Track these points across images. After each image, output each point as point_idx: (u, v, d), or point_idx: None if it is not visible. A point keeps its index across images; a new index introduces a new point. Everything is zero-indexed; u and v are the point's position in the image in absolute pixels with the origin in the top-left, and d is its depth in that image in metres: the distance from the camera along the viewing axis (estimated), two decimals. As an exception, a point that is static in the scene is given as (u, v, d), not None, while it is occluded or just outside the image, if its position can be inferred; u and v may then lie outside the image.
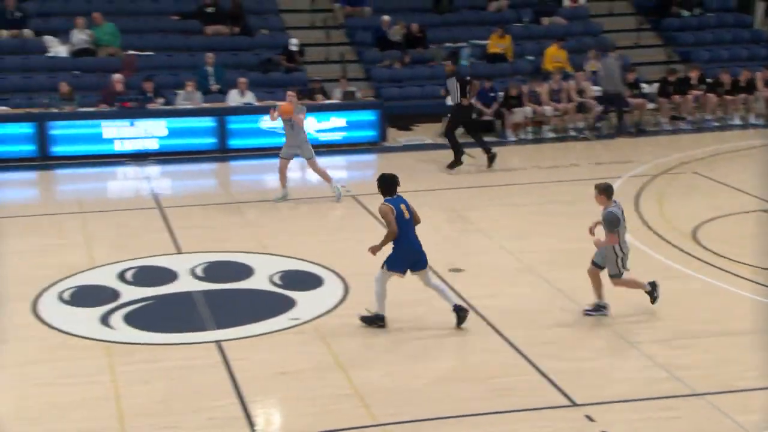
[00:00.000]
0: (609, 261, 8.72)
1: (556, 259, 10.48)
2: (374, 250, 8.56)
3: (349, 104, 17.03)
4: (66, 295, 9.51)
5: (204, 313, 9.18)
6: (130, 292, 9.61)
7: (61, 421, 6.98)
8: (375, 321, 8.74)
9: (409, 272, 8.62)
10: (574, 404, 7.34)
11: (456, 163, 14.93)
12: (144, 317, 9.06)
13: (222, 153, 16.10)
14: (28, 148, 15.24)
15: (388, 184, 8.62)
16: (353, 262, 10.22)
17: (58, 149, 15.41)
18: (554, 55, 19.04)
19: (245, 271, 10.34)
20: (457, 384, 7.74)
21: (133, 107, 15.80)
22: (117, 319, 8.95)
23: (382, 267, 8.61)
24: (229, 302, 9.53)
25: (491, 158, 14.98)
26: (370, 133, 16.95)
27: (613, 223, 8.48)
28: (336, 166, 15.18)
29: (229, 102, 16.83)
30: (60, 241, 11.31)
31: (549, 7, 21.15)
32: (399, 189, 8.69)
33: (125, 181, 15.07)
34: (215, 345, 8.41)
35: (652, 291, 8.93)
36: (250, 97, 16.88)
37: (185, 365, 8.00)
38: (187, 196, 13.76)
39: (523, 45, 20.00)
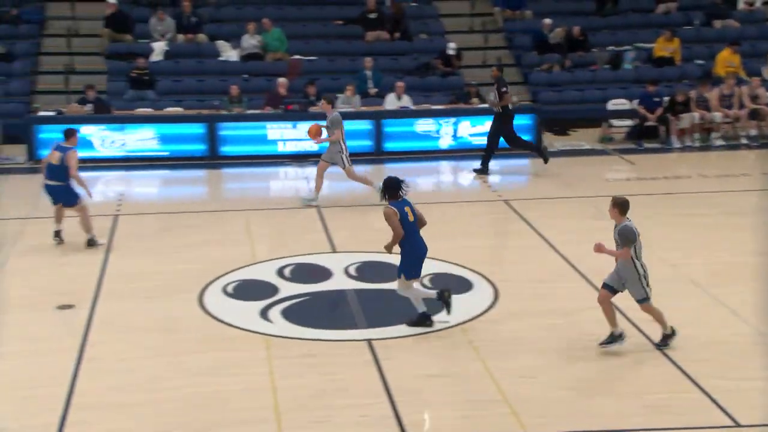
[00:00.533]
0: (632, 283, 7.98)
1: (722, 272, 9.94)
2: (387, 248, 8.68)
3: (504, 108, 16.88)
4: (230, 289, 9.96)
5: (356, 311, 9.37)
6: (288, 288, 9.96)
7: (221, 410, 7.29)
8: (423, 321, 8.76)
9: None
10: (738, 425, 6.94)
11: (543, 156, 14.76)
12: (300, 313, 9.35)
13: (377, 155, 16.40)
14: (200, 148, 16.13)
15: (392, 187, 8.61)
16: (504, 268, 10.11)
17: (226, 149, 16.22)
18: (727, 60, 18.12)
19: (395, 271, 10.44)
20: (607, 397, 7.50)
21: (295, 110, 16.37)
22: (275, 313, 9.29)
23: (399, 277, 8.63)
24: (380, 302, 9.68)
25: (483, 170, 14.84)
26: (524, 138, 16.73)
27: (628, 237, 7.81)
28: (490, 171, 15.08)
29: (386, 105, 17.12)
30: (225, 236, 11.88)
31: (721, 9, 20.15)
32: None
33: (286, 181, 15.63)
34: (366, 343, 8.56)
35: (668, 337, 8.15)
36: (406, 101, 17.09)
37: (337, 362, 8.19)
38: (344, 197, 14.10)
39: (692, 48, 19.14)
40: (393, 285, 10.04)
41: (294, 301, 9.64)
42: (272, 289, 9.92)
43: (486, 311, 9.30)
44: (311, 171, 15.63)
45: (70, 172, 10.92)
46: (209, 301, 9.54)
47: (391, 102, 17.06)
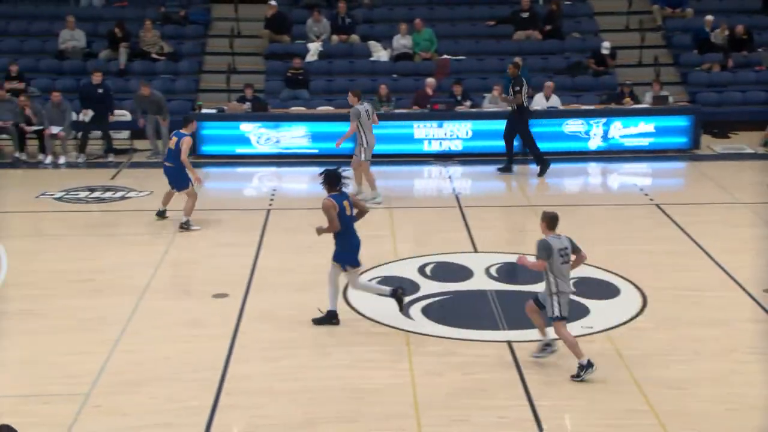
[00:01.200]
0: (545, 298, 7.88)
1: None
2: (318, 231, 8.95)
3: (659, 109, 16.31)
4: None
5: (496, 312, 9.35)
6: (428, 286, 10.07)
7: (360, 403, 7.48)
8: (329, 320, 8.78)
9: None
10: None
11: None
12: (440, 311, 9.44)
13: (522, 156, 16.24)
14: (349, 146, 16.47)
15: (331, 179, 8.76)
16: (654, 274, 9.78)
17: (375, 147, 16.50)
18: None
19: (539, 275, 10.30)
20: (753, 412, 7.11)
21: (442, 109, 16.48)
22: (416, 310, 9.42)
23: (335, 265, 8.88)
24: (521, 304, 9.59)
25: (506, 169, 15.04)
26: (680, 140, 16.10)
27: (542, 250, 7.75)
28: (641, 173, 14.61)
29: (533, 105, 16.90)
30: (369, 233, 12.11)
31: None
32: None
33: (430, 179, 15.76)
34: (506, 345, 8.53)
35: (584, 369, 7.73)
36: (555, 101, 16.81)
37: (477, 362, 8.21)
38: (486, 197, 14.06)
39: None
40: (534, 287, 9.96)
41: (434, 299, 9.74)
42: (413, 286, 10.05)
43: (633, 318, 9.04)
44: (455, 170, 15.74)
45: (180, 157, 11.67)
46: (353, 296, 9.78)
47: (539, 102, 16.83)
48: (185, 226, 11.86)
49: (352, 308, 9.49)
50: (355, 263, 9.01)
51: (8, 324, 8.87)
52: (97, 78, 15.73)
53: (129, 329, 8.84)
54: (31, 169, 15.33)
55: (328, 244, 11.52)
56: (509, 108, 15.23)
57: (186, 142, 11.72)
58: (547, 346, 8.15)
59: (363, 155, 13.30)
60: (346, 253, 8.98)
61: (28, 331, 8.74)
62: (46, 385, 7.65)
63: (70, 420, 7.09)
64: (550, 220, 7.94)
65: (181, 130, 11.92)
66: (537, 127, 16.30)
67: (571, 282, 8.04)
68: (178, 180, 11.88)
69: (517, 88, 14.80)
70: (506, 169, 15.23)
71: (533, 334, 8.74)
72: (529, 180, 15.63)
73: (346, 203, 8.91)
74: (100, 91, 15.84)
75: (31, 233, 11.80)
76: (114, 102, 16.28)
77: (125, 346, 8.48)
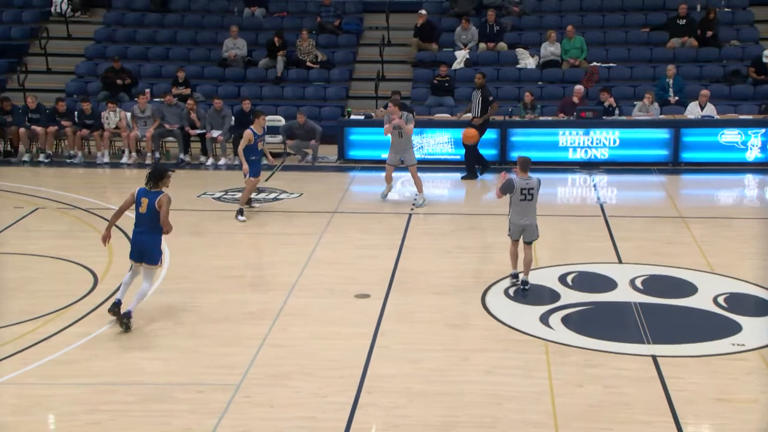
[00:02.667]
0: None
1: None
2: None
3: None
4: (511, 292, 10.18)
5: (641, 325, 9.13)
6: (569, 296, 9.96)
7: (498, 409, 7.51)
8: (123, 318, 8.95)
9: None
10: None
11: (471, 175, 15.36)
12: (581, 321, 9.32)
13: (674, 166, 15.72)
14: (491, 153, 16.52)
15: (157, 175, 9.01)
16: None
17: (516, 155, 16.39)
18: None
19: (687, 289, 10.02)
20: None
21: (589, 117, 16.20)
22: (555, 319, 9.35)
23: (157, 264, 9.11)
24: (667, 318, 9.33)
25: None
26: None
27: (506, 186, 9.91)
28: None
29: (687, 114, 16.32)
30: (509, 240, 12.09)
31: None
32: None
33: (573, 188, 15.53)
34: (651, 359, 8.33)
35: (514, 278, 10.16)
36: (710, 110, 16.16)
37: (619, 375, 8.06)
38: (633, 207, 13.71)
39: None
40: (681, 302, 9.66)
41: (575, 309, 9.62)
42: (554, 295, 9.97)
43: (788, 338, 8.60)
44: (600, 179, 15.42)
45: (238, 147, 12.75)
46: (491, 302, 9.82)
47: (692, 110, 16.23)
48: (240, 214, 12.84)
49: (491, 314, 9.53)
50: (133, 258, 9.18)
51: (167, 315, 9.51)
52: (246, 105, 16.55)
53: (277, 325, 9.26)
54: (194, 169, 16.29)
55: (470, 249, 11.65)
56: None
57: (245, 136, 12.70)
58: (513, 276, 10.23)
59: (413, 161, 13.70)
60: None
61: (185, 322, 9.33)
62: (200, 375, 8.14)
63: (222, 408, 7.52)
64: (523, 163, 9.94)
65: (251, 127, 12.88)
66: (690, 137, 15.76)
67: (534, 216, 10.03)
68: (250, 169, 12.81)
69: (490, 100, 15.40)
70: (470, 177, 15.53)
71: (680, 349, 8.52)
72: (680, 191, 15.12)
73: (144, 200, 9.02)
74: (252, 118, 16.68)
75: (192, 231, 12.56)
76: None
77: (273, 340, 8.89)
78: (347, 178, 15.82)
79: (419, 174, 13.86)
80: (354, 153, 16.72)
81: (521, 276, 10.13)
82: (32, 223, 12.83)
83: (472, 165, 15.62)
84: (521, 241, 10.12)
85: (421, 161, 16.19)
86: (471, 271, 10.87)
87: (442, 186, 15.74)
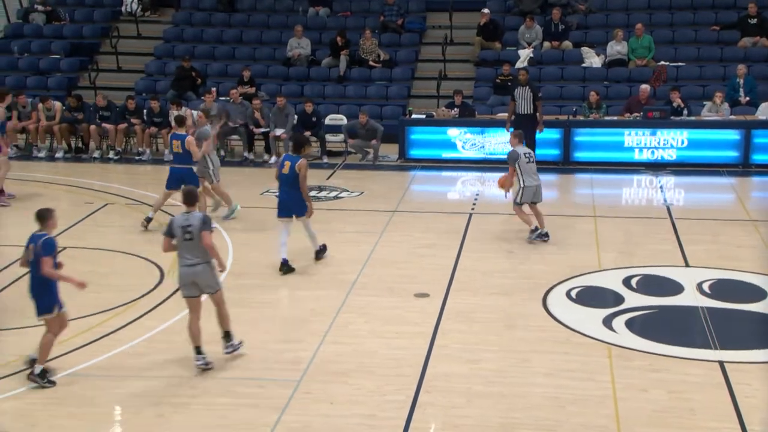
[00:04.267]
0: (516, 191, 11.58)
1: None
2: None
3: None
4: (573, 294, 10.05)
5: (708, 330, 8.92)
6: (633, 299, 9.78)
7: (560, 412, 7.43)
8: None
9: None
10: None
11: None
12: (646, 325, 9.15)
13: (745, 168, 15.31)
14: (554, 153, 16.36)
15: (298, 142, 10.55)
16: None
17: (580, 155, 16.26)
18: None
19: (756, 294, 9.75)
20: None
21: (656, 117, 15.88)
22: (619, 323, 9.19)
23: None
24: (735, 323, 9.10)
25: None
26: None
27: (510, 159, 11.55)
28: None
29: (758, 115, 15.88)
30: (572, 241, 11.98)
31: None
32: None
33: (639, 189, 15.25)
34: (718, 365, 8.13)
35: (535, 232, 11.58)
36: (783, 110, 15.70)
37: (685, 380, 7.90)
38: (701, 210, 13.40)
39: None
40: (749, 307, 9.41)
41: (640, 312, 9.45)
42: (617, 298, 9.82)
43: None
44: (667, 180, 15.12)
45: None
46: (553, 304, 9.71)
47: (764, 111, 15.78)
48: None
49: (552, 316, 9.43)
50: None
51: (229, 311, 9.66)
52: (308, 107, 16.69)
53: (337, 322, 9.33)
54: (257, 167, 16.51)
55: (530, 249, 11.55)
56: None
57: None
58: (533, 232, 11.60)
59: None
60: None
61: (247, 318, 9.45)
62: (262, 370, 8.24)
63: (283, 404, 7.61)
64: (519, 136, 11.70)
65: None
66: (762, 138, 15.33)
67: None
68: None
69: (539, 96, 15.42)
70: None
71: (749, 355, 8.31)
72: (750, 193, 14.73)
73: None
74: (314, 119, 16.79)
75: (254, 227, 12.74)
76: (323, 126, 17.11)
77: (334, 337, 8.96)
78: (408, 178, 15.84)
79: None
80: (415, 152, 16.72)
81: (540, 230, 11.63)
82: (102, 218, 13.17)
83: None
84: (528, 205, 11.64)
85: (482, 161, 16.15)
86: (532, 271, 10.77)
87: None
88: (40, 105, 16.65)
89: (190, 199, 8.24)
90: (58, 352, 8.41)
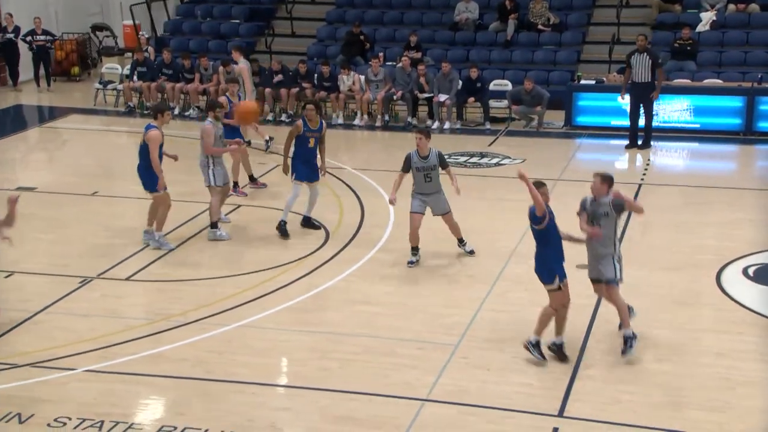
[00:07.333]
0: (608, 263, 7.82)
1: None
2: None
3: None
4: (750, 271, 9.51)
5: None
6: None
7: (731, 394, 7.13)
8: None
9: None
10: None
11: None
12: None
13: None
14: (735, 122, 15.40)
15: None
16: None
17: (764, 125, 15.21)
18: None
19: None
20: None
21: None
22: (801, 304, 8.63)
23: None
24: None
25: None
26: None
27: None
28: None
29: None
30: (748, 216, 11.28)
31: None
32: None
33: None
34: None
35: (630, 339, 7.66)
36: None
37: None
38: None
39: None
40: None
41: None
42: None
43: None
44: None
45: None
46: (728, 281, 9.24)
47: None
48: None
49: (726, 294, 8.97)
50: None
51: (390, 274, 9.85)
52: (473, 73, 16.50)
53: (495, 290, 9.30)
54: (420, 133, 16.61)
55: (704, 224, 10.97)
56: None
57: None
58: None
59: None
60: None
61: (408, 281, 9.60)
62: (421, 332, 8.37)
63: (440, 366, 7.71)
64: (610, 180, 7.88)
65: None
66: None
67: None
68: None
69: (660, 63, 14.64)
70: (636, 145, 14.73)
71: None
72: None
73: None
74: (478, 85, 16.59)
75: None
76: (487, 91, 16.87)
77: (491, 305, 8.95)
78: (573, 145, 15.42)
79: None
80: (582, 119, 16.24)
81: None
82: (275, 180, 13.73)
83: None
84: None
85: (656, 129, 15.41)
86: (705, 247, 10.26)
87: (676, 156, 14.93)
88: (221, 68, 17.48)
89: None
90: (229, 305, 8.93)
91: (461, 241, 10.26)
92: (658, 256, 10.04)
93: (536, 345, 7.69)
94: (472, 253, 10.19)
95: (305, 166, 10.90)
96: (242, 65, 15.07)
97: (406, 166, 9.88)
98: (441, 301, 9.10)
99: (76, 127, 17.32)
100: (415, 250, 10.05)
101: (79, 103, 18.84)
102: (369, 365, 7.79)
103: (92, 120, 17.81)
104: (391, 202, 10.04)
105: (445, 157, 10.13)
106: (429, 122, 16.87)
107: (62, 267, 9.94)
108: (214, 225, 10.89)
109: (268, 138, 13.42)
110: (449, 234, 10.54)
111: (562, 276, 7.70)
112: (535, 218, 7.65)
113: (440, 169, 9.93)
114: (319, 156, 10.98)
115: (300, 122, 10.92)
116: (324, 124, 11.04)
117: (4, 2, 20.54)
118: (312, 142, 10.91)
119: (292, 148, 10.92)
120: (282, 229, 10.87)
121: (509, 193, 12.66)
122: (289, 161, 10.94)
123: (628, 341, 7.64)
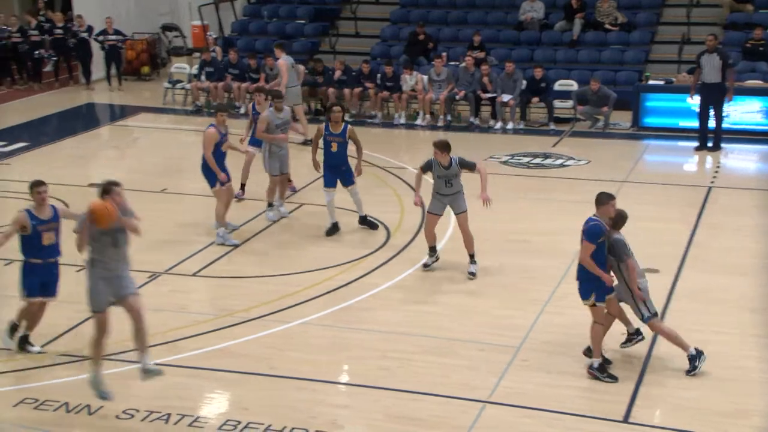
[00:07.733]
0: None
1: None
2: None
3: None
4: (825, 279, 9.21)
5: None
6: None
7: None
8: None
9: None
10: None
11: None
12: None
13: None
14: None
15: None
16: None
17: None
18: None
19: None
20: None
21: None
22: None
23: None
24: None
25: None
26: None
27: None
28: None
29: None
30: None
31: None
32: None
33: None
34: None
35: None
36: None
37: None
38: None
39: None
40: None
41: None
42: None
43: None
44: None
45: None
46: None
47: None
48: None
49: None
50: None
51: (450, 276, 9.83)
52: (538, 72, 16.34)
53: (558, 292, 9.20)
54: (483, 133, 16.53)
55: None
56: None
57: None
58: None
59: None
60: None
61: (468, 282, 9.57)
62: (481, 334, 8.34)
63: (501, 369, 7.66)
64: (622, 219, 7.68)
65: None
66: None
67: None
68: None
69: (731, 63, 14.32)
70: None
71: None
72: None
73: None
74: (543, 84, 16.42)
75: (476, 194, 12.80)
76: (552, 91, 16.70)
77: (553, 308, 8.87)
78: (640, 147, 15.15)
79: None
80: (650, 120, 15.94)
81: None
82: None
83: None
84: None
85: (726, 131, 15.02)
86: (776, 252, 9.98)
87: (747, 158, 14.54)
88: (264, 63, 17.57)
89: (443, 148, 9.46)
90: (291, 302, 9.04)
91: (472, 258, 9.67)
92: (728, 260, 9.80)
93: (600, 368, 7.50)
94: (473, 275, 9.61)
95: (329, 172, 10.88)
96: (282, 61, 15.21)
97: (427, 166, 9.61)
98: (501, 303, 9.05)
99: (146, 126, 17.74)
100: (432, 250, 9.85)
101: (149, 102, 19.28)
102: (429, 365, 7.80)
103: (161, 119, 18.22)
104: (416, 203, 9.91)
105: (477, 160, 9.90)
106: (492, 122, 16.78)
107: (132, 262, 10.17)
108: (270, 205, 11.56)
109: (304, 140, 13.60)
110: (508, 235, 10.46)
111: (599, 298, 7.46)
112: (590, 237, 7.42)
113: (468, 171, 9.62)
114: (356, 157, 10.88)
115: (322, 126, 10.88)
116: (348, 128, 10.83)
117: (76, 2, 21.16)
118: (335, 147, 10.75)
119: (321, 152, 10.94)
120: (329, 231, 10.98)
121: (572, 194, 12.53)
122: (320, 159, 11.02)
123: (692, 360, 7.44)
